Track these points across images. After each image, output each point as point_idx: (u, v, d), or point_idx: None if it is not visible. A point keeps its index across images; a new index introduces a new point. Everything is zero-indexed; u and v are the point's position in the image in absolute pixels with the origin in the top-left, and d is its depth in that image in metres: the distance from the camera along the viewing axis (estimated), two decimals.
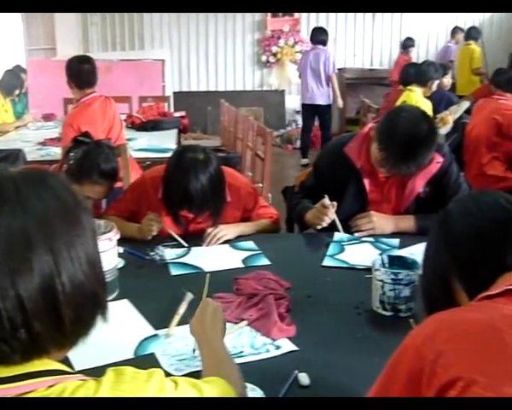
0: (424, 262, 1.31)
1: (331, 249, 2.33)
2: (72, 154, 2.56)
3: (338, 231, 2.45)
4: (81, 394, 0.85)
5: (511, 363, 0.92)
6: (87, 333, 0.95)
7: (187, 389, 0.96)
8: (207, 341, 1.38)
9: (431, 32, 9.81)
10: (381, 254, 2.11)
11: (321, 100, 7.73)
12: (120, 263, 2.16)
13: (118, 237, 1.97)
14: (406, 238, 2.39)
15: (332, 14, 9.69)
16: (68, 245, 0.88)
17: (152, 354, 1.60)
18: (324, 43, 7.67)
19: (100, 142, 2.67)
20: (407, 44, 8.66)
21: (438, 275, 1.25)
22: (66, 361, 1.42)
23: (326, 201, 2.41)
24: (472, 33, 8.78)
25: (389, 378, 1.03)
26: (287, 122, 9.81)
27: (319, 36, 7.64)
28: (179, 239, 2.39)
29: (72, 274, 0.88)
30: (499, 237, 1.13)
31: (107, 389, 0.86)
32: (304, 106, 8.02)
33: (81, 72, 4.01)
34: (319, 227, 2.46)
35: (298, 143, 9.10)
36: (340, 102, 7.85)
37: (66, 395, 0.85)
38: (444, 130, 4.89)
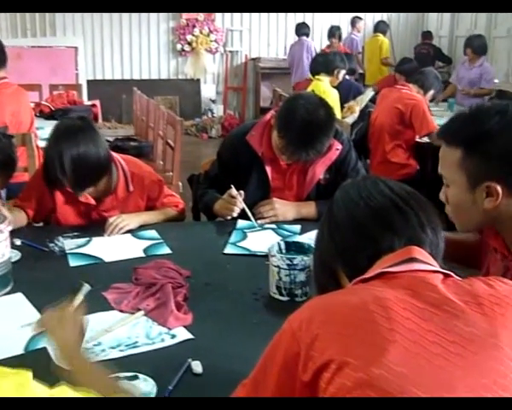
0: (314, 248, 1.33)
1: (233, 237, 2.34)
2: None
3: (249, 219, 2.46)
4: None
5: (381, 344, 0.95)
6: None
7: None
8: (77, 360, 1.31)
9: (342, 24, 9.94)
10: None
11: None
12: (16, 256, 2.09)
13: (10, 228, 1.89)
14: (307, 224, 2.42)
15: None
16: None
17: (44, 349, 1.55)
18: (307, 34, 8.77)
19: None
20: (331, 34, 8.75)
21: (324, 261, 1.27)
22: None
23: (233, 191, 2.42)
24: (380, 27, 9.01)
25: (268, 362, 1.05)
26: (202, 111, 9.77)
27: (302, 30, 8.74)
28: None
29: None
30: (374, 222, 1.15)
31: None
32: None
33: None
34: (229, 218, 2.46)
35: (213, 132, 9.11)
36: None
37: None
38: (351, 118, 5.00)
